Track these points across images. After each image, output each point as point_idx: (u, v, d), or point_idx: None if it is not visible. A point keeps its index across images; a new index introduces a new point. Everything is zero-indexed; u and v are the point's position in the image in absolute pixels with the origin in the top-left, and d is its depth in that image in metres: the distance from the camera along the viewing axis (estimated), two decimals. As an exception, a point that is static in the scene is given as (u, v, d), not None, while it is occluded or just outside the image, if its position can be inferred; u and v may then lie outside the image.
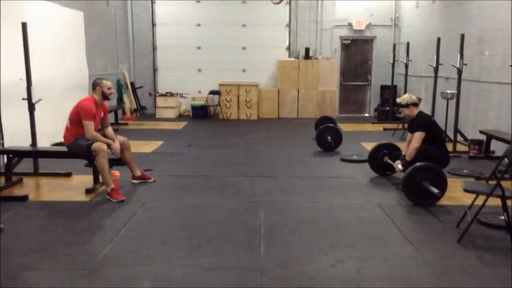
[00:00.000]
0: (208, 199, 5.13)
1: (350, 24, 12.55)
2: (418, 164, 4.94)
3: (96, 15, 10.06)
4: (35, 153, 5.86)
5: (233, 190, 5.48)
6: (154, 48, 12.68)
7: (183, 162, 6.96)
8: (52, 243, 3.87)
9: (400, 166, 5.55)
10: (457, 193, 5.10)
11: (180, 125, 10.80)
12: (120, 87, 11.49)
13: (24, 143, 6.02)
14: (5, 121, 6.15)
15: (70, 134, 5.26)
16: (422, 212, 4.72)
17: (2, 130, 6.08)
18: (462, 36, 7.35)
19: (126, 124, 10.78)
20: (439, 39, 8.20)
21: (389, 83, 11.61)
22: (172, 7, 12.49)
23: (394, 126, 9.51)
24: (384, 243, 3.92)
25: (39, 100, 5.77)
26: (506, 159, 4.12)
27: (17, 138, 6.18)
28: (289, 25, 12.58)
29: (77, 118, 5.19)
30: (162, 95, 12.21)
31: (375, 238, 4.04)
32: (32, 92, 5.68)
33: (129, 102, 12.04)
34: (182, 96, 12.40)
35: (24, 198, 4.98)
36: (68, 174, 5.98)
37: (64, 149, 5.44)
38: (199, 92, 12.51)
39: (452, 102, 7.69)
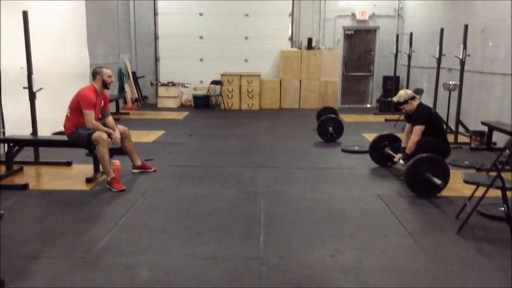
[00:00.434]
0: (209, 189, 5.13)
1: (353, 15, 12.48)
2: (421, 155, 4.92)
3: (98, 4, 10.01)
4: (35, 142, 5.86)
5: (233, 180, 5.48)
6: (156, 37, 12.63)
7: (183, 152, 6.96)
8: (52, 231, 3.88)
9: (401, 161, 5.53)
10: (457, 184, 5.09)
11: (181, 115, 10.79)
12: (121, 76, 11.47)
13: (25, 131, 6.02)
14: (5, 110, 6.16)
15: (70, 123, 5.26)
16: (422, 203, 4.71)
17: (2, 119, 6.09)
18: (465, 27, 7.29)
19: (128, 114, 10.78)
20: (442, 30, 8.14)
21: (391, 73, 11.59)
22: (174, -4, 12.44)
23: (396, 117, 9.48)
24: (383, 234, 3.92)
25: (40, 89, 5.76)
26: (507, 151, 4.10)
27: (18, 127, 6.18)
28: (292, 15, 12.51)
29: (77, 107, 5.18)
30: (163, 85, 12.20)
31: (375, 229, 4.04)
32: (33, 80, 5.67)
33: (130, 92, 12.03)
34: (184, 86, 12.37)
35: (24, 186, 5.00)
36: (69, 163, 5.99)
37: (64, 138, 5.44)
38: (201, 81, 12.49)
39: (455, 94, 7.66)
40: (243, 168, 5.98)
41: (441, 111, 8.30)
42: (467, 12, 8.43)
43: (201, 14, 12.46)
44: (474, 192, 4.13)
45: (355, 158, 6.64)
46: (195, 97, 12.19)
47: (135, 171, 5.69)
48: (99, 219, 4.18)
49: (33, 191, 4.98)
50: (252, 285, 3.01)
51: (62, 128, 5.52)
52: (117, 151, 5.74)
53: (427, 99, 9.72)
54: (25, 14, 5.59)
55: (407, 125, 5.80)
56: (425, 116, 5.55)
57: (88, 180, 5.25)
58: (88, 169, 5.57)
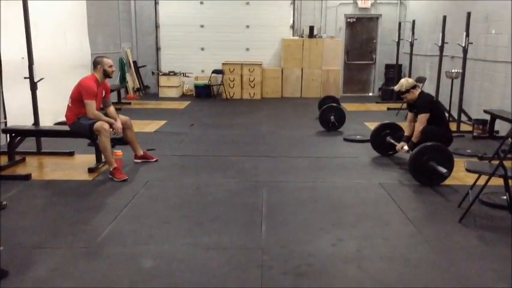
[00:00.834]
0: (211, 179, 5.13)
1: (355, 2, 12.38)
2: (425, 143, 4.91)
3: (98, -7, 9.96)
4: (37, 132, 5.87)
5: (235, 170, 5.48)
6: (157, 26, 12.57)
7: (185, 142, 6.96)
8: (55, 221, 3.90)
9: (406, 147, 5.52)
10: (459, 173, 5.08)
11: (183, 105, 10.78)
12: (122, 66, 11.44)
13: (27, 122, 6.02)
14: (7, 100, 6.15)
15: (72, 113, 5.25)
16: (424, 191, 4.71)
17: (4, 109, 6.08)
18: (468, 15, 7.24)
19: (129, 103, 10.77)
20: (445, 18, 8.08)
21: (394, 62, 11.52)
22: (175, -15, 12.35)
23: (398, 105, 9.44)
24: (385, 223, 3.92)
25: (41, 79, 5.75)
26: (509, 139, 4.09)
27: (20, 117, 6.18)
28: (293, 3, 12.42)
29: (78, 97, 5.17)
30: (165, 74, 12.16)
31: (376, 217, 4.04)
32: (34, 70, 5.66)
33: (131, 82, 12.00)
34: (185, 76, 12.33)
35: (27, 177, 5.01)
36: (71, 154, 6.00)
37: (66, 128, 5.44)
38: (203, 71, 12.44)
39: (457, 82, 7.62)
40: (244, 158, 5.98)
41: (443, 99, 8.28)
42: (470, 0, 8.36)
43: (201, 3, 12.37)
44: (476, 180, 4.13)
45: (357, 147, 6.63)
46: (197, 86, 12.16)
47: (137, 161, 5.69)
48: (101, 209, 4.19)
49: (36, 181, 4.99)
50: (253, 275, 3.02)
51: (63, 118, 5.52)
52: (119, 141, 5.74)
53: (429, 88, 9.67)
54: (25, 4, 5.56)
55: (409, 114, 5.78)
56: (428, 103, 5.53)
57: (90, 170, 5.26)
58: (90, 159, 5.57)
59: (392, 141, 5.89)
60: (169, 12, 12.43)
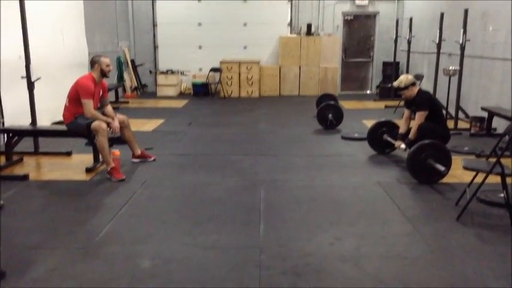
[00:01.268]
0: (209, 178, 5.13)
1: (353, 0, 12.37)
2: (422, 141, 4.91)
3: (95, -9, 9.94)
4: (35, 132, 5.86)
5: (233, 169, 5.48)
6: (154, 25, 12.55)
7: (183, 141, 6.96)
8: (52, 222, 3.89)
9: (403, 146, 5.52)
10: (457, 170, 5.08)
11: (181, 103, 10.77)
12: (120, 64, 11.42)
13: (25, 121, 6.01)
14: (4, 100, 6.13)
15: (69, 113, 5.25)
16: (422, 189, 4.72)
17: (1, 109, 6.06)
18: (466, 11, 7.24)
19: (127, 102, 10.76)
20: (442, 15, 8.08)
21: (391, 59, 11.53)
22: (172, -17, 12.32)
23: (396, 103, 9.45)
24: (383, 221, 3.93)
25: (38, 78, 5.73)
26: (507, 137, 4.10)
27: (17, 116, 6.16)
28: (291, 1, 12.41)
29: (75, 97, 5.16)
30: (162, 73, 12.14)
31: (374, 216, 4.05)
32: (31, 70, 5.64)
33: (129, 80, 11.99)
34: (183, 74, 12.33)
35: (24, 177, 5.00)
36: (68, 153, 5.99)
37: (64, 127, 5.43)
38: (200, 69, 12.44)
39: (455, 79, 7.63)
40: (242, 157, 5.98)
41: (441, 96, 8.28)
42: (468, -3, 8.36)
43: (199, 1, 12.36)
44: (474, 178, 4.13)
45: (354, 145, 6.64)
46: (195, 85, 12.15)
47: (134, 160, 5.69)
48: (99, 209, 4.19)
49: (33, 182, 4.98)
50: (252, 274, 3.02)
51: (61, 118, 5.51)
52: (117, 140, 5.73)
53: (427, 85, 9.68)
54: (22, 3, 5.54)
55: (406, 111, 5.79)
56: (427, 101, 5.53)
57: (88, 170, 5.26)
58: (88, 159, 5.57)
59: (389, 139, 5.90)
60: (167, 11, 12.41)
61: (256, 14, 12.42)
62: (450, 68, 7.86)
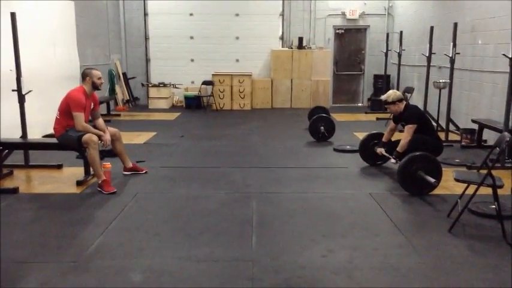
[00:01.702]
0: (201, 190, 5.11)
1: (343, 14, 12.50)
2: (413, 153, 4.94)
3: (87, 4, 9.96)
4: (25, 145, 5.82)
5: (225, 181, 5.46)
6: (146, 38, 12.58)
7: (175, 154, 6.94)
8: (43, 235, 3.85)
9: (393, 160, 5.56)
10: (448, 182, 5.11)
11: (173, 116, 10.76)
12: (112, 77, 11.41)
13: (15, 134, 5.97)
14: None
15: (60, 126, 5.22)
16: (414, 201, 4.73)
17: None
18: (455, 25, 7.34)
19: (119, 115, 10.73)
20: (432, 28, 8.18)
21: (382, 72, 11.63)
22: (164, -3, 12.39)
23: (387, 115, 9.49)
24: (375, 233, 3.93)
25: (29, 91, 5.71)
26: (497, 148, 4.13)
27: (7, 129, 6.12)
28: (282, 14, 12.51)
29: (66, 109, 5.13)
30: (154, 86, 12.15)
31: (366, 228, 4.04)
32: (22, 83, 5.62)
33: (121, 93, 11.97)
34: (175, 87, 12.33)
35: (15, 190, 4.95)
36: (59, 166, 5.95)
37: (55, 140, 5.40)
38: (192, 82, 12.46)
39: (445, 92, 7.70)
40: (234, 169, 5.97)
41: (432, 109, 8.35)
42: (457, 10, 8.47)
43: (191, 14, 12.42)
44: (465, 190, 4.16)
45: (346, 157, 6.65)
46: (187, 98, 12.16)
47: (126, 173, 5.65)
48: (90, 223, 4.15)
49: (24, 195, 4.94)
50: (244, 287, 3.00)
51: (52, 131, 5.48)
52: (108, 153, 5.71)
53: (417, 98, 9.76)
54: (13, 16, 5.53)
55: (392, 123, 5.90)
56: (416, 114, 5.60)
57: (79, 183, 5.22)
58: (79, 172, 5.53)
59: (381, 151, 5.92)
60: (159, 24, 12.45)
61: (248, 28, 12.50)
62: (440, 80, 7.93)
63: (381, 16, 12.58)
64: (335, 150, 7.11)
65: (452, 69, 7.46)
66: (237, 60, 12.63)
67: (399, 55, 10.36)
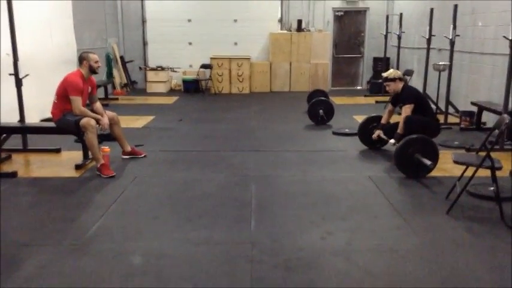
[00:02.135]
0: (199, 174, 5.11)
1: (343, -5, 12.39)
2: (410, 136, 4.94)
3: (83, -13, 9.84)
4: (23, 130, 5.79)
5: (224, 164, 5.46)
6: (143, 21, 12.46)
7: (174, 137, 6.92)
8: (42, 219, 3.85)
9: (392, 140, 5.56)
10: (447, 164, 5.11)
11: (171, 100, 10.72)
12: (109, 61, 11.32)
13: (13, 119, 5.94)
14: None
15: (58, 110, 5.19)
16: (412, 183, 4.74)
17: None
18: (455, 7, 7.27)
19: (117, 99, 10.69)
20: (432, 10, 8.11)
21: (382, 55, 11.56)
22: (162, -21, 12.24)
23: (386, 98, 9.47)
24: (374, 215, 3.94)
25: (26, 75, 5.66)
26: (496, 131, 4.12)
27: (5, 114, 6.08)
28: (281, -3, 12.39)
29: (64, 93, 5.10)
30: (152, 69, 12.08)
31: (365, 210, 4.05)
32: (19, 67, 5.57)
33: (119, 77, 11.90)
34: (173, 71, 12.26)
35: (13, 174, 4.94)
36: (58, 150, 5.94)
37: (53, 124, 5.37)
38: (191, 66, 12.38)
39: (445, 74, 7.66)
40: (233, 153, 5.97)
41: (431, 92, 8.32)
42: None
43: (189, -3, 12.30)
44: (464, 172, 4.16)
45: (345, 140, 6.65)
46: (185, 81, 12.10)
47: (124, 157, 5.65)
48: (89, 206, 4.15)
49: (22, 179, 4.93)
50: (243, 269, 3.02)
51: (50, 115, 5.45)
52: (106, 137, 5.70)
53: (417, 80, 9.72)
54: (9, 0, 5.47)
55: (390, 106, 5.93)
56: (413, 94, 5.67)
57: (77, 167, 5.21)
58: (77, 156, 5.52)
59: (382, 136, 5.91)
60: (156, 7, 12.32)
61: (246, 11, 12.37)
62: (440, 63, 7.88)
63: (381, -2, 12.45)
64: (334, 133, 7.10)
65: (452, 51, 7.41)
66: (236, 44, 12.53)
67: (399, 37, 10.29)
